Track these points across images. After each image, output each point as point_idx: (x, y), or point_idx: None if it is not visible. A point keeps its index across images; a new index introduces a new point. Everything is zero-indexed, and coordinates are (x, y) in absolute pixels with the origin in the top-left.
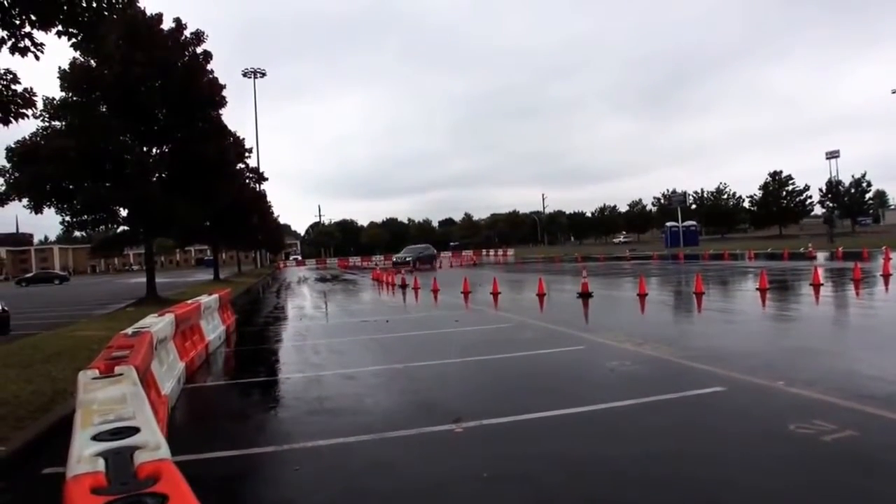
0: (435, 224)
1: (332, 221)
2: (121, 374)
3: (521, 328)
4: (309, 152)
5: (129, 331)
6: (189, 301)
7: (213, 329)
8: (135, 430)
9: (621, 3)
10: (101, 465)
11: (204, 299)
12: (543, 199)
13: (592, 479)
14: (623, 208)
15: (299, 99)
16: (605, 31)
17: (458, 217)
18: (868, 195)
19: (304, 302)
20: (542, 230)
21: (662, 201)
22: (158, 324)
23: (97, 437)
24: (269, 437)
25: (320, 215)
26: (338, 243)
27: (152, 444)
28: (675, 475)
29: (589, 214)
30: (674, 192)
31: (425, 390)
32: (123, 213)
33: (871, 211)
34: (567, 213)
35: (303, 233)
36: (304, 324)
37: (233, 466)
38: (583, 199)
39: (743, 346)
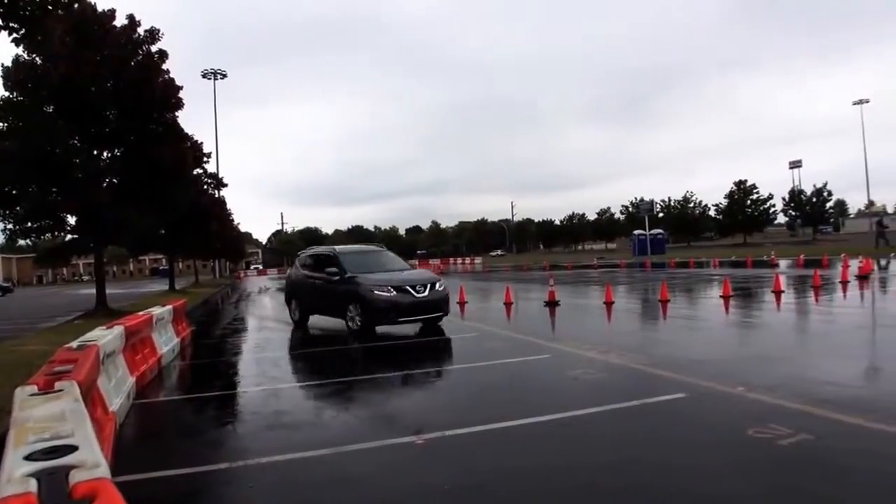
0: (402, 232)
1: (296, 229)
2: (61, 391)
3: (486, 337)
4: (273, 158)
5: (74, 344)
6: (141, 312)
7: (167, 342)
8: (72, 449)
9: (592, 16)
10: (32, 485)
11: (156, 310)
12: (512, 207)
13: (553, 489)
14: (592, 216)
15: (263, 104)
16: (576, 43)
17: (425, 225)
18: (829, 204)
19: (264, 312)
20: (510, 238)
21: (630, 209)
22: (106, 336)
23: (30, 457)
24: (224, 453)
25: (283, 223)
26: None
27: (90, 463)
28: (636, 483)
29: (558, 222)
30: (642, 200)
31: (387, 402)
32: (72, 220)
33: (831, 220)
34: (536, 221)
35: (265, 241)
36: (263, 335)
37: (184, 485)
38: (552, 208)
39: (706, 353)
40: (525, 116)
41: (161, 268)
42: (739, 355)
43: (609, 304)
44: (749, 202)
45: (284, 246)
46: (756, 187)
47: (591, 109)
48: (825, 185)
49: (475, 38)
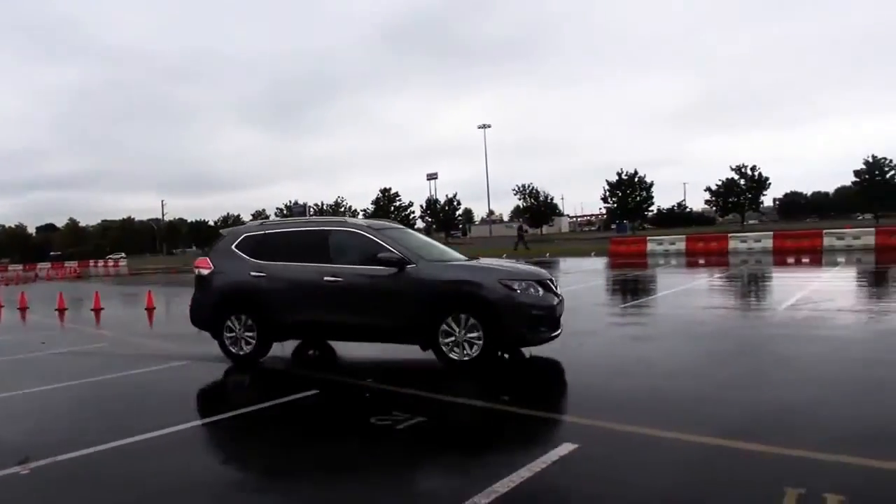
0: (32, 231)
1: None
2: None
3: (117, 345)
4: None
5: None
6: None
7: None
8: None
9: (251, 22)
10: None
11: None
12: (163, 206)
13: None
14: (247, 217)
15: None
16: (232, 45)
17: (61, 223)
18: (458, 212)
19: None
20: (161, 239)
21: (285, 212)
22: None
23: None
24: None
25: None
26: None
27: None
28: (269, 483)
29: (212, 223)
30: (295, 203)
31: None
32: None
33: (460, 225)
34: (189, 221)
35: None
36: None
37: None
38: (207, 208)
39: (339, 351)
40: (177, 114)
41: None
42: (372, 350)
43: None
44: (393, 208)
45: None
46: (399, 195)
47: (247, 112)
48: (455, 195)
49: (127, 26)
